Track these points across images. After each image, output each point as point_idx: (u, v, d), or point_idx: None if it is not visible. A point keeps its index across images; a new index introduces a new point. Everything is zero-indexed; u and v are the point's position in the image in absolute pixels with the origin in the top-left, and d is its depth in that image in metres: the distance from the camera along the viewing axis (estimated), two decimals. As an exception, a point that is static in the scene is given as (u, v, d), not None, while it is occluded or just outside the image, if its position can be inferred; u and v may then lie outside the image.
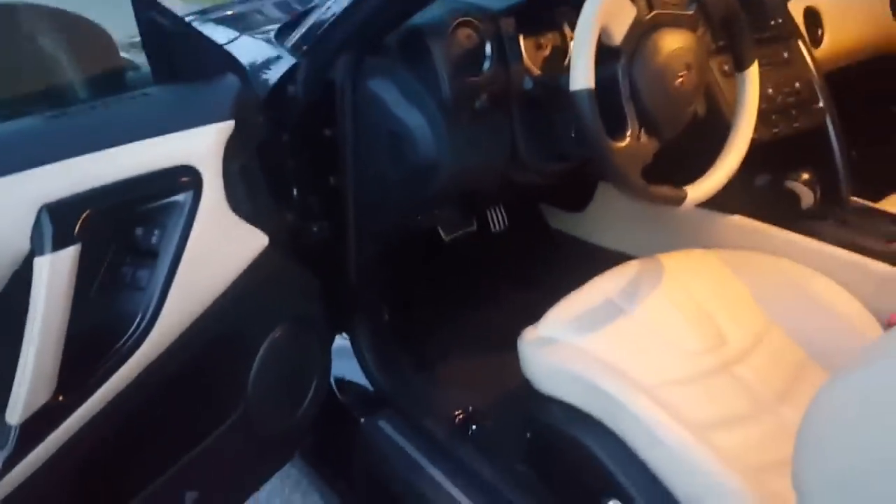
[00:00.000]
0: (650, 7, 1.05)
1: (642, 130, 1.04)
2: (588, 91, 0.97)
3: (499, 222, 1.80)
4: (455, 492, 1.16)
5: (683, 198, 1.07)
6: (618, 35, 1.01)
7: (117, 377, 0.78)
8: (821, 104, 1.40)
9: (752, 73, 1.14)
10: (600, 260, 1.22)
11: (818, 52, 1.50)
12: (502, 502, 1.13)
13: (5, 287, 0.71)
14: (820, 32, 1.51)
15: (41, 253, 0.69)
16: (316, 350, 1.15)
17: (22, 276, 0.70)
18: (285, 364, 1.06)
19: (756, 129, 1.32)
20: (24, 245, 0.70)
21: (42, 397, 0.70)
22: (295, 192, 1.22)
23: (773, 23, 1.41)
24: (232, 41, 1.33)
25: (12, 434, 0.69)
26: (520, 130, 1.17)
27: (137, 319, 0.80)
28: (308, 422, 1.16)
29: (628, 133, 1.02)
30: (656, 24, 1.05)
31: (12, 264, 0.70)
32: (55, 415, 0.72)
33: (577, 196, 1.65)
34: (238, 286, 0.92)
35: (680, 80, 1.05)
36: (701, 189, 1.10)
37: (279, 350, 1.04)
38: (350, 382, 1.38)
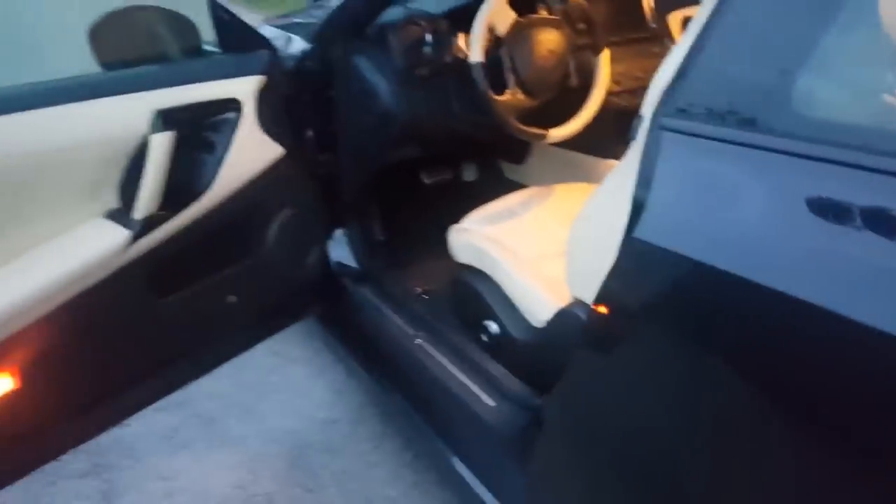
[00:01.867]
0: (526, 14, 1.58)
1: (518, 90, 1.57)
2: (479, 63, 1.51)
3: (470, 174, 2.34)
4: (409, 330, 1.68)
5: (544, 136, 1.59)
6: (502, 30, 1.54)
7: (188, 211, 1.35)
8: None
9: (603, 58, 1.65)
10: None
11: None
12: (435, 332, 1.63)
13: (135, 152, 1.28)
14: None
15: (154, 132, 1.26)
16: (316, 230, 1.70)
17: (144, 145, 1.28)
18: (292, 233, 1.61)
19: (626, 100, 1.83)
20: (146, 129, 1.28)
21: (153, 208, 1.28)
22: (311, 132, 1.79)
23: (651, 27, 1.90)
24: (280, 35, 1.90)
25: (137, 224, 1.27)
26: (453, 93, 1.69)
27: (202, 181, 1.37)
28: (312, 276, 1.71)
29: (508, 92, 1.55)
30: (530, 24, 1.58)
31: (141, 139, 1.28)
32: (158, 219, 1.30)
33: (519, 153, 2.18)
34: (262, 176, 1.48)
35: (544, 59, 1.57)
36: (559, 132, 1.62)
37: (288, 223, 1.59)
38: (346, 264, 1.94)
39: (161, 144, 1.27)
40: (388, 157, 1.88)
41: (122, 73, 1.33)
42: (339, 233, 1.93)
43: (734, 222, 0.73)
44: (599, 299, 0.94)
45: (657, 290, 0.83)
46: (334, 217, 1.87)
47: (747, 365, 0.73)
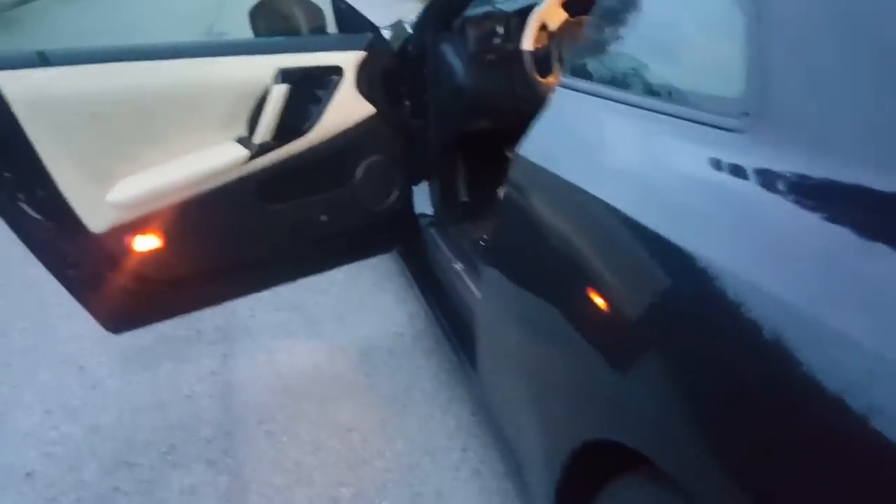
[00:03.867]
0: (575, 15, 1.85)
1: (562, 76, 1.85)
2: (529, 51, 1.82)
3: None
4: (454, 261, 2.04)
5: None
6: (553, 26, 1.84)
7: (294, 144, 1.78)
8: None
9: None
10: None
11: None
12: (472, 263, 1.98)
13: (261, 96, 1.73)
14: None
15: (276, 83, 1.71)
16: (398, 177, 2.08)
17: (267, 92, 1.72)
18: (376, 175, 2.01)
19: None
20: (270, 82, 1.72)
21: (268, 137, 1.73)
22: (407, 102, 2.18)
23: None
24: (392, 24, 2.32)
25: (255, 147, 1.72)
26: (516, 76, 2.01)
27: (306, 123, 1.80)
28: (393, 215, 2.10)
29: (552, 76, 1.84)
30: (579, 24, 1.85)
31: (266, 88, 1.73)
32: (270, 147, 1.74)
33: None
34: (354, 127, 1.89)
35: None
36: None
37: (374, 166, 1.99)
38: (425, 213, 2.32)
39: (279, 93, 1.71)
40: (464, 125, 2.22)
41: (260, 40, 1.80)
42: (424, 185, 2.31)
43: (585, 148, 1.01)
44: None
45: (527, 194, 1.12)
46: (420, 171, 2.25)
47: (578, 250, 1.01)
